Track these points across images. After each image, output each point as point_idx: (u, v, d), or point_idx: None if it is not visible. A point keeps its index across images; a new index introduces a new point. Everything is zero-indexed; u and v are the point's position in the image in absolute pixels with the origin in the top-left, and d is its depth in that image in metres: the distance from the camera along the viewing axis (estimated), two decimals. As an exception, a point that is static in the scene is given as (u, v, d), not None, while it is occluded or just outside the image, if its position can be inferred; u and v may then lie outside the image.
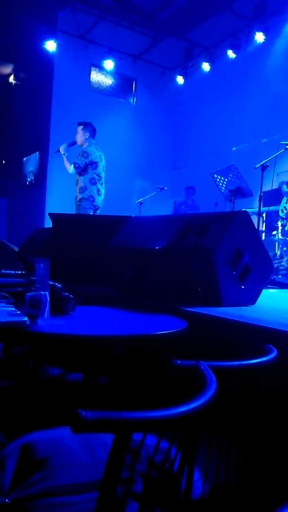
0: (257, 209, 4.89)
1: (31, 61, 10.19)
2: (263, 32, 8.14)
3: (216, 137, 9.42)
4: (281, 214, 5.84)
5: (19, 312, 1.74)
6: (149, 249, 2.67)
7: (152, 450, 0.91)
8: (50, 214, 3.71)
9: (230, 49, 8.87)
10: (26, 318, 1.63)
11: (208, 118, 9.75)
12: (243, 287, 2.49)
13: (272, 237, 5.93)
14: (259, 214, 4.95)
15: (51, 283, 1.84)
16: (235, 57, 8.93)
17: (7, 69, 11.73)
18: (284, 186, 6.13)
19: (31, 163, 10.33)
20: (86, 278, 3.10)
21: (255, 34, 8.22)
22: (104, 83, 10.37)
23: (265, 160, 4.69)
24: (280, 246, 5.67)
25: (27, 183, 10.52)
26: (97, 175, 5.09)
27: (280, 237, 5.75)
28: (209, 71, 9.64)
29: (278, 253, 5.62)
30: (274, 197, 6.12)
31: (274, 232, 5.91)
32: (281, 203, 5.93)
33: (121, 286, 2.91)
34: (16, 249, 4.19)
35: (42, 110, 9.70)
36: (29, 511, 0.97)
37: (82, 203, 5.06)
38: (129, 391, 2.23)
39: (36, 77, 10.21)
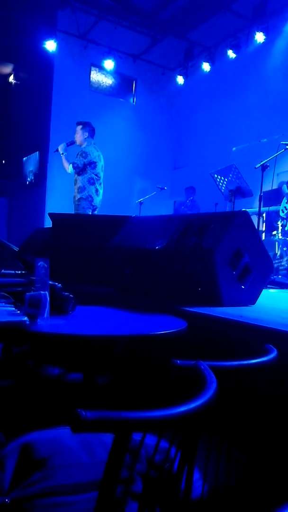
0: (257, 209, 4.89)
1: (31, 60, 10.18)
2: (263, 32, 8.14)
3: (216, 137, 9.42)
4: (281, 214, 5.84)
5: (19, 312, 1.74)
6: (149, 249, 2.67)
7: (152, 450, 0.90)
8: (50, 214, 3.71)
9: (230, 49, 8.87)
10: (26, 318, 1.63)
11: (208, 118, 9.74)
12: (243, 287, 2.49)
13: (272, 237, 5.93)
14: (259, 214, 4.95)
15: (51, 282, 1.84)
16: (235, 57, 8.92)
17: (7, 68, 11.72)
18: (284, 186, 6.13)
19: (31, 163, 10.33)
20: (86, 278, 3.10)
21: (255, 34, 8.22)
22: (104, 83, 10.37)
23: (265, 160, 4.69)
24: (280, 246, 5.67)
25: (27, 183, 10.52)
26: (96, 175, 5.09)
27: (280, 237, 5.75)
28: (209, 71, 9.64)
29: (278, 253, 5.62)
30: (274, 197, 6.12)
31: (274, 232, 5.90)
32: (282, 203, 5.93)
33: (121, 286, 2.91)
34: (16, 249, 4.20)
35: (42, 110, 9.69)
36: (29, 510, 0.97)
37: (81, 203, 5.06)
38: (129, 391, 2.23)
39: (36, 77, 10.20)
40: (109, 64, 9.44)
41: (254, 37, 8.28)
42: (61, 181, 7.81)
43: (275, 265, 5.26)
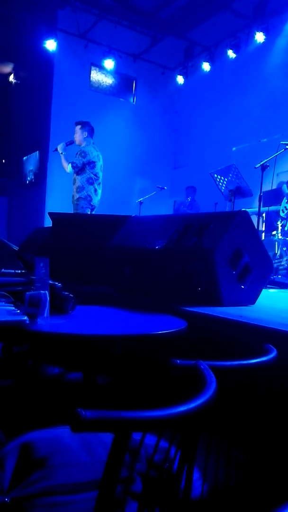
0: (257, 209, 4.89)
1: (31, 60, 10.17)
2: (263, 32, 8.13)
3: (216, 137, 9.42)
4: (281, 214, 5.84)
5: (19, 311, 1.74)
6: (149, 248, 2.67)
7: (151, 450, 0.91)
8: (50, 214, 3.71)
9: (230, 48, 8.87)
10: (26, 317, 1.63)
11: (208, 118, 9.74)
12: (243, 287, 2.49)
13: (272, 237, 5.93)
14: (259, 214, 4.95)
15: (51, 282, 1.84)
16: (235, 57, 8.92)
17: (7, 68, 11.72)
18: (284, 186, 6.12)
19: (31, 162, 10.33)
20: (86, 277, 3.10)
21: (255, 34, 8.22)
22: (104, 83, 10.36)
23: (265, 160, 4.69)
24: (280, 246, 5.67)
25: (27, 182, 10.52)
26: (95, 174, 5.09)
27: (280, 237, 5.75)
28: (209, 71, 9.64)
29: (278, 253, 5.62)
30: (274, 197, 6.12)
31: (274, 232, 5.90)
32: (282, 203, 5.93)
33: (121, 286, 2.91)
34: (16, 248, 4.20)
35: (42, 109, 9.69)
36: (29, 510, 0.98)
37: (80, 202, 5.06)
38: (128, 391, 2.23)
39: (36, 76, 10.20)
40: (109, 63, 9.44)
41: (254, 37, 8.28)
42: (61, 181, 7.81)
43: (275, 265, 5.26)
